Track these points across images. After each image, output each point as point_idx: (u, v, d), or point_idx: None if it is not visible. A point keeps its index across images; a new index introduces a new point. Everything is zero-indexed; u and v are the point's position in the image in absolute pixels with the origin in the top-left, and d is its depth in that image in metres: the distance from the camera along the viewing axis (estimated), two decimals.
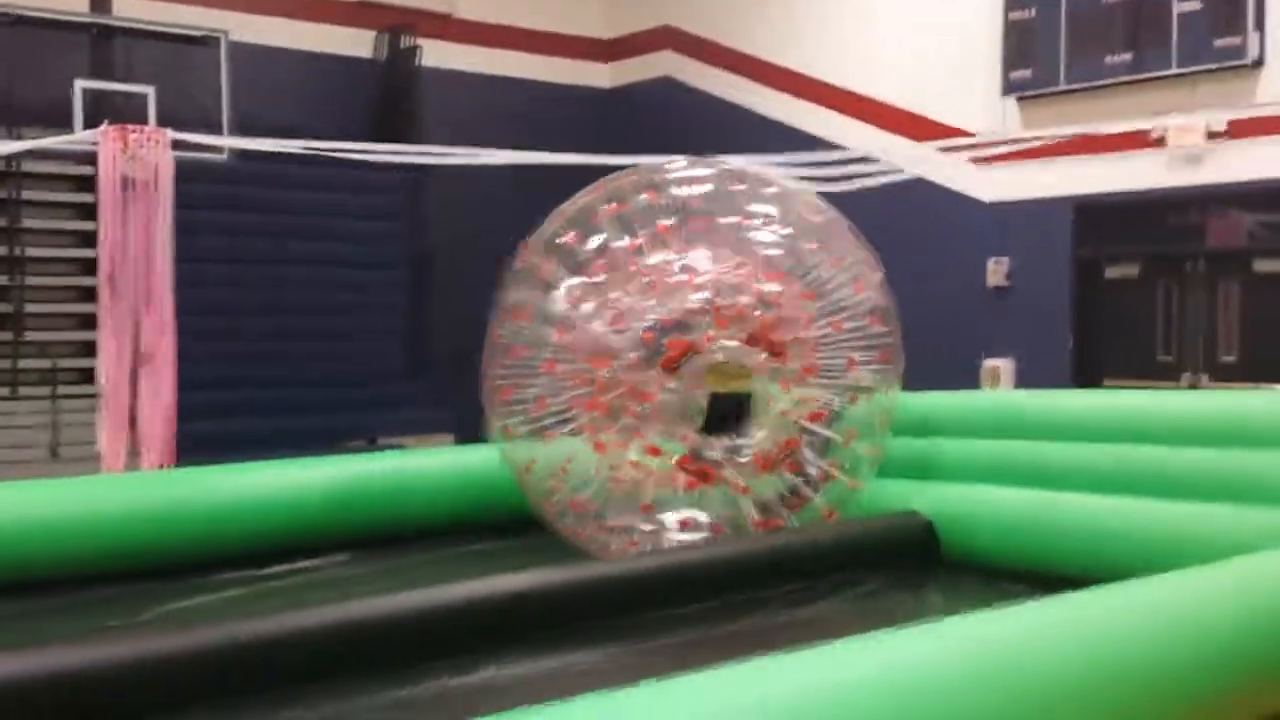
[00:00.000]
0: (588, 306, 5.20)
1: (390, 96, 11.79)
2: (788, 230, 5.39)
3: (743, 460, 5.19)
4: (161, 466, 7.25)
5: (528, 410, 5.24)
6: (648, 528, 5.16)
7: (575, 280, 5.23)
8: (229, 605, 4.93)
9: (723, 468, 5.15)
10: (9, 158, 9.41)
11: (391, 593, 4.57)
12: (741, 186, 5.57)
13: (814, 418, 5.19)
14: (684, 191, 5.44)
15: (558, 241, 5.30)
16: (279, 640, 4.18)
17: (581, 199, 5.47)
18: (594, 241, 5.27)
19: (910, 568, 5.66)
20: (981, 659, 2.87)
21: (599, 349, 5.06)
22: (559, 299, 5.25)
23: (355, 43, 11.89)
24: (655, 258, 5.21)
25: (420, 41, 11.93)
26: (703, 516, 5.19)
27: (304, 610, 4.38)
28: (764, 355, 5.08)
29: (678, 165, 5.73)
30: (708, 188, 5.54)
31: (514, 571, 4.77)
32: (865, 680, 2.72)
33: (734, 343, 5.05)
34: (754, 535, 5.55)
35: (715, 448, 5.16)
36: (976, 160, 9.93)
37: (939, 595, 5.43)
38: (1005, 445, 5.96)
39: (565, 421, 5.16)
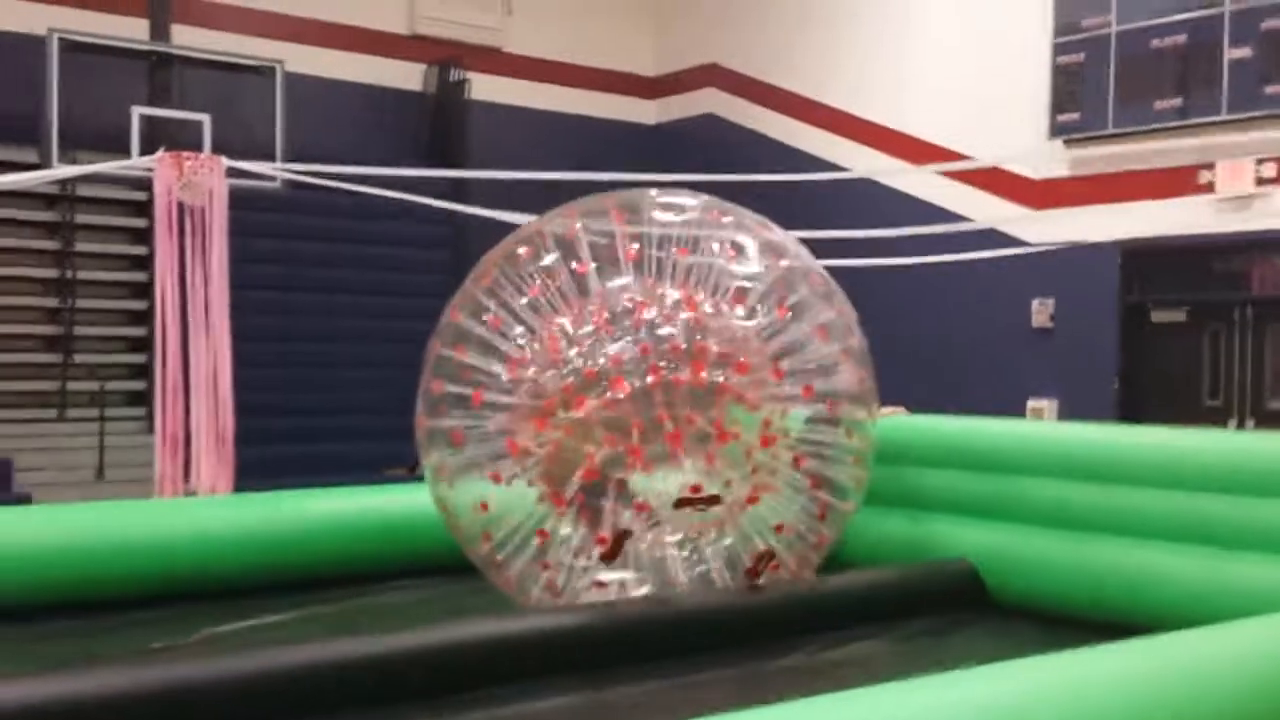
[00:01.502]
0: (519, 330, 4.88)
1: (439, 129, 11.93)
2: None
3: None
4: (217, 491, 7.32)
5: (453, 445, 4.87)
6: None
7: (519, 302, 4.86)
8: (272, 630, 4.96)
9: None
10: (64, 182, 9.58)
11: (432, 624, 4.60)
12: (726, 220, 5.29)
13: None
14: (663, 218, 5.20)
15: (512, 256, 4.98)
16: (320, 668, 4.22)
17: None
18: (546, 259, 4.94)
19: (956, 613, 5.62)
20: (1024, 707, 2.85)
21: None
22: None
23: (406, 76, 12.06)
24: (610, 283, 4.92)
25: (469, 75, 12.08)
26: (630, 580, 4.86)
27: (349, 639, 4.41)
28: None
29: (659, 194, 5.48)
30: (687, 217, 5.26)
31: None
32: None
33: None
34: (776, 582, 5.55)
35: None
36: (1022, 202, 9.93)
37: (984, 641, 5.39)
38: (1055, 485, 5.87)
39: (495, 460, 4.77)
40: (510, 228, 9.13)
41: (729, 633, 5.03)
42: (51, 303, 10.36)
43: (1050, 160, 10.00)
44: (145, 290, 9.82)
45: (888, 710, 2.97)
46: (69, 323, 10.35)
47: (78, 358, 10.30)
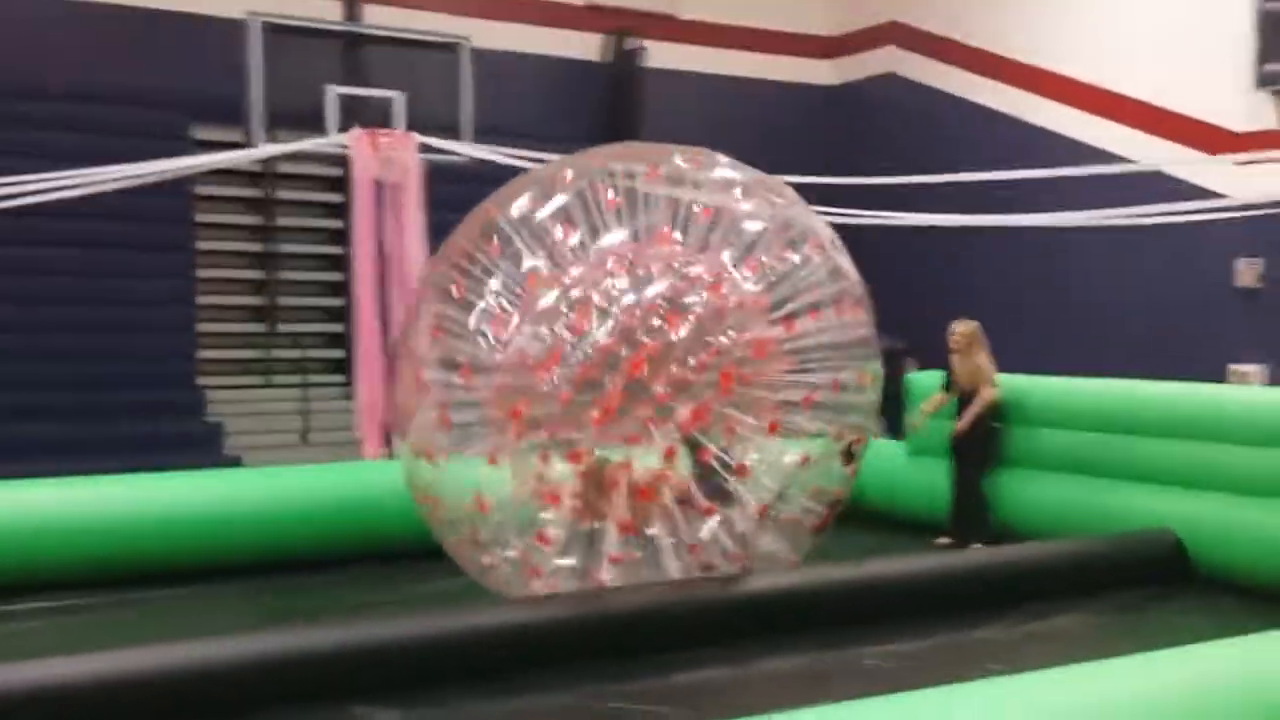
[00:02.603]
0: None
1: (616, 98, 12.01)
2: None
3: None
4: None
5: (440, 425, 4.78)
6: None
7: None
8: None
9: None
10: (266, 160, 10.00)
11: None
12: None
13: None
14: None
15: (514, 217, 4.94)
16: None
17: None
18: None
19: (1160, 584, 5.47)
20: (1228, 689, 2.76)
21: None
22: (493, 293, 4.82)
23: (584, 46, 12.17)
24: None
25: (645, 43, 12.12)
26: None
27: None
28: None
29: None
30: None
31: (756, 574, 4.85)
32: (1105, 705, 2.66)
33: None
34: (977, 550, 5.48)
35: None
36: (1227, 155, 9.46)
37: (1186, 616, 5.24)
38: (1261, 453, 5.65)
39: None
40: None
41: (926, 602, 5.01)
42: (256, 275, 10.86)
43: (1257, 112, 9.51)
44: (342, 262, 10.18)
45: (1077, 693, 2.92)
46: (272, 294, 10.84)
47: (281, 327, 10.79)
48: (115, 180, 7.85)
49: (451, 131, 9.27)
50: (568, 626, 4.43)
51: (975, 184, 9.43)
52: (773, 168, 10.06)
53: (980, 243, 9.64)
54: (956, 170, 10.33)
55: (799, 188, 9.39)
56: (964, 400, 7.01)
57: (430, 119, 9.22)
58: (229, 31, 9.38)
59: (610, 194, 4.90)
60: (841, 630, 4.70)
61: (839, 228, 7.54)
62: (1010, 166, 9.63)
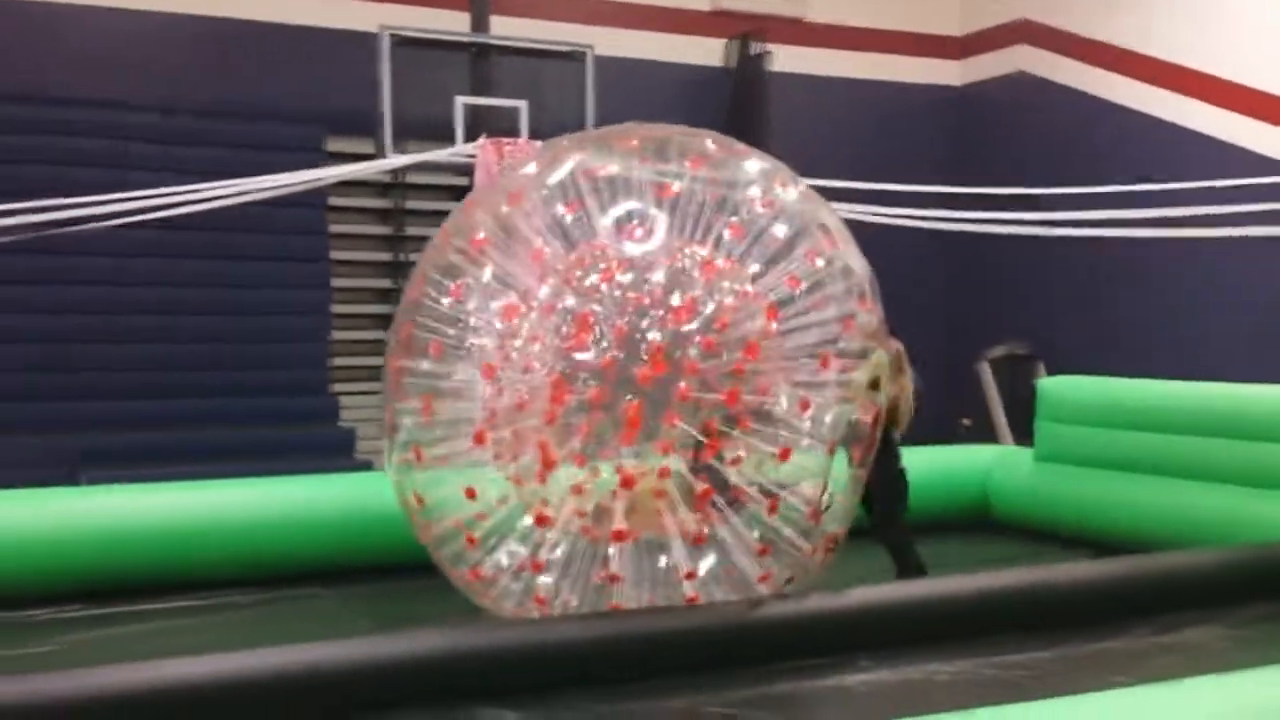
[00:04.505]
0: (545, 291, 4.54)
1: (741, 103, 12.00)
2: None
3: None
4: None
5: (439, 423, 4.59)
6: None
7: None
8: None
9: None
10: (396, 170, 10.24)
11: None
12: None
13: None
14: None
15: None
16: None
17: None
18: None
19: None
20: None
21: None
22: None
23: (708, 52, 12.19)
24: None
25: (770, 46, 12.09)
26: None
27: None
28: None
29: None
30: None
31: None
32: None
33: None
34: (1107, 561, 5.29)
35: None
36: None
37: None
38: None
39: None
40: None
41: (1050, 613, 4.90)
42: (385, 284, 11.12)
43: None
44: None
45: (1200, 704, 2.82)
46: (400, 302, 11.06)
47: None
48: (255, 192, 8.12)
49: None
50: (685, 635, 4.44)
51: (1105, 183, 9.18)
52: (899, 171, 10.02)
53: (1113, 244, 9.38)
54: (1093, 171, 10.07)
55: (926, 197, 9.30)
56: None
57: (554, 127, 9.33)
58: (361, 45, 9.65)
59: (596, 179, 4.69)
60: (961, 642, 4.62)
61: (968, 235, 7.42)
62: (1150, 168, 9.33)
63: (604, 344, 4.41)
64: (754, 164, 4.96)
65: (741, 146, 5.11)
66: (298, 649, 4.11)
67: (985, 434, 10.69)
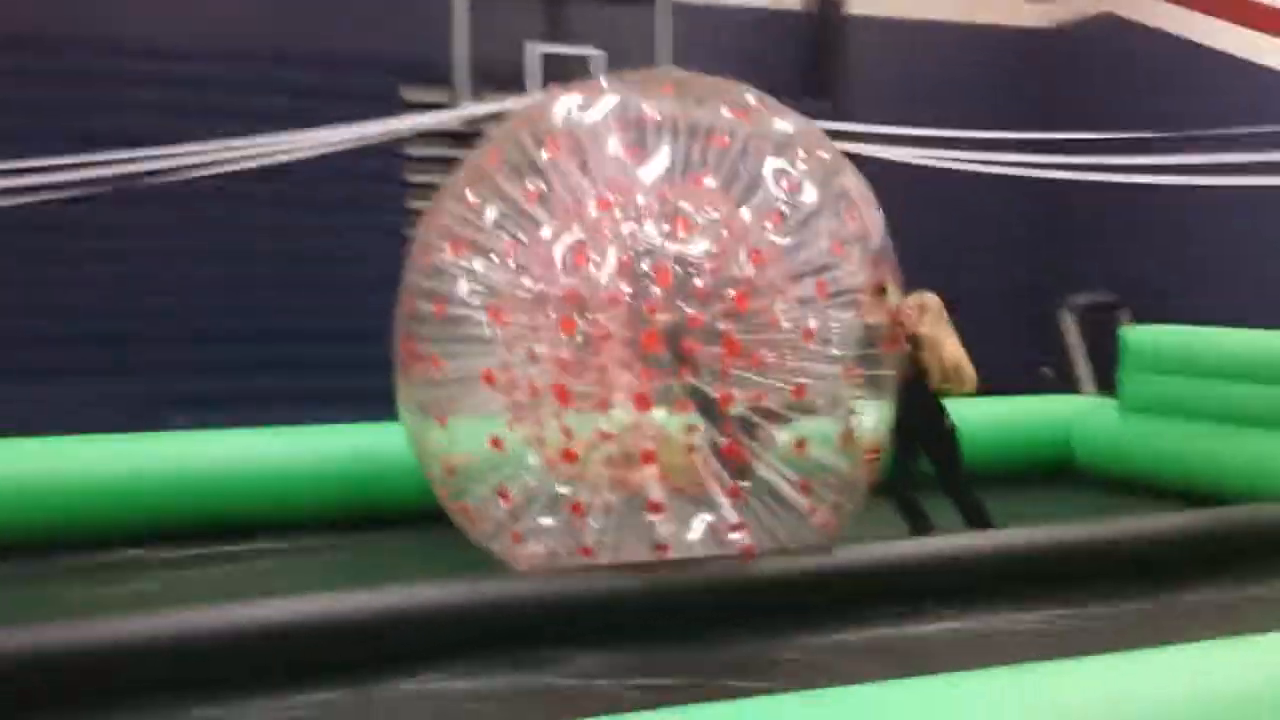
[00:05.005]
0: (546, 232, 4.53)
1: (818, 48, 11.81)
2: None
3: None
4: None
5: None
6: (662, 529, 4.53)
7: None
8: None
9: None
10: (472, 120, 10.20)
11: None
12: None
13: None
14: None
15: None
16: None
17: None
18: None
19: None
20: None
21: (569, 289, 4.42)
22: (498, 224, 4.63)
23: None
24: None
25: None
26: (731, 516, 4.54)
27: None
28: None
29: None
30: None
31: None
32: None
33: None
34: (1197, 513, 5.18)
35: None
36: None
37: None
38: None
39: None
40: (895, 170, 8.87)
41: (1135, 565, 4.82)
42: None
43: None
44: None
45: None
46: None
47: None
48: (330, 145, 8.16)
49: None
50: (758, 583, 4.43)
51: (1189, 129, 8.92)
52: (981, 117, 9.79)
53: (1196, 193, 9.11)
54: (1181, 119, 9.78)
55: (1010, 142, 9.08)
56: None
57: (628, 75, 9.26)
58: None
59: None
60: (1043, 592, 4.57)
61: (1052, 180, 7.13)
62: (1244, 117, 9.02)
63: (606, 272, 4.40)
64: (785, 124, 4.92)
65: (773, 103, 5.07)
66: (378, 592, 4.17)
67: (1066, 383, 10.51)
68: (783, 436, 4.52)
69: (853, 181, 4.94)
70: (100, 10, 9.69)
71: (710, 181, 4.61)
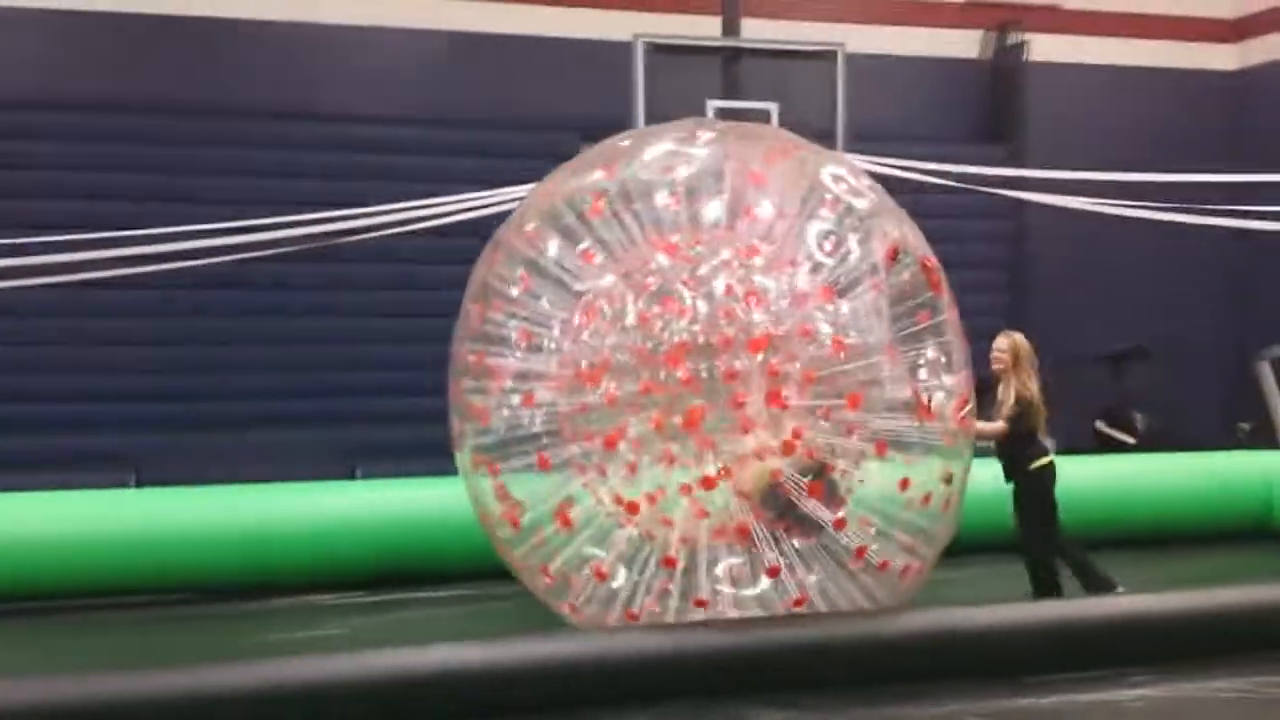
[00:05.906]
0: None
1: (998, 95, 11.70)
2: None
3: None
4: None
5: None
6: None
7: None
8: None
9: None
10: None
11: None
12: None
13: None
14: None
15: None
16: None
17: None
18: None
19: None
20: None
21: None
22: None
23: (962, 44, 11.92)
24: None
25: (1028, 36, 11.72)
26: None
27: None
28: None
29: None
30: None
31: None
32: None
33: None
34: None
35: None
36: None
37: None
38: None
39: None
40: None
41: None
42: None
43: None
44: None
45: None
46: None
47: None
48: (519, 200, 8.42)
49: (827, 139, 9.34)
50: (938, 639, 4.39)
51: None
52: (1169, 162, 9.52)
53: None
54: None
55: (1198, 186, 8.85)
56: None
57: (805, 127, 9.30)
58: (615, 53, 9.86)
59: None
60: (1244, 658, 4.41)
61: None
62: None
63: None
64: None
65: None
66: (545, 640, 4.29)
67: (1264, 438, 10.07)
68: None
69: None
70: (302, 78, 10.32)
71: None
